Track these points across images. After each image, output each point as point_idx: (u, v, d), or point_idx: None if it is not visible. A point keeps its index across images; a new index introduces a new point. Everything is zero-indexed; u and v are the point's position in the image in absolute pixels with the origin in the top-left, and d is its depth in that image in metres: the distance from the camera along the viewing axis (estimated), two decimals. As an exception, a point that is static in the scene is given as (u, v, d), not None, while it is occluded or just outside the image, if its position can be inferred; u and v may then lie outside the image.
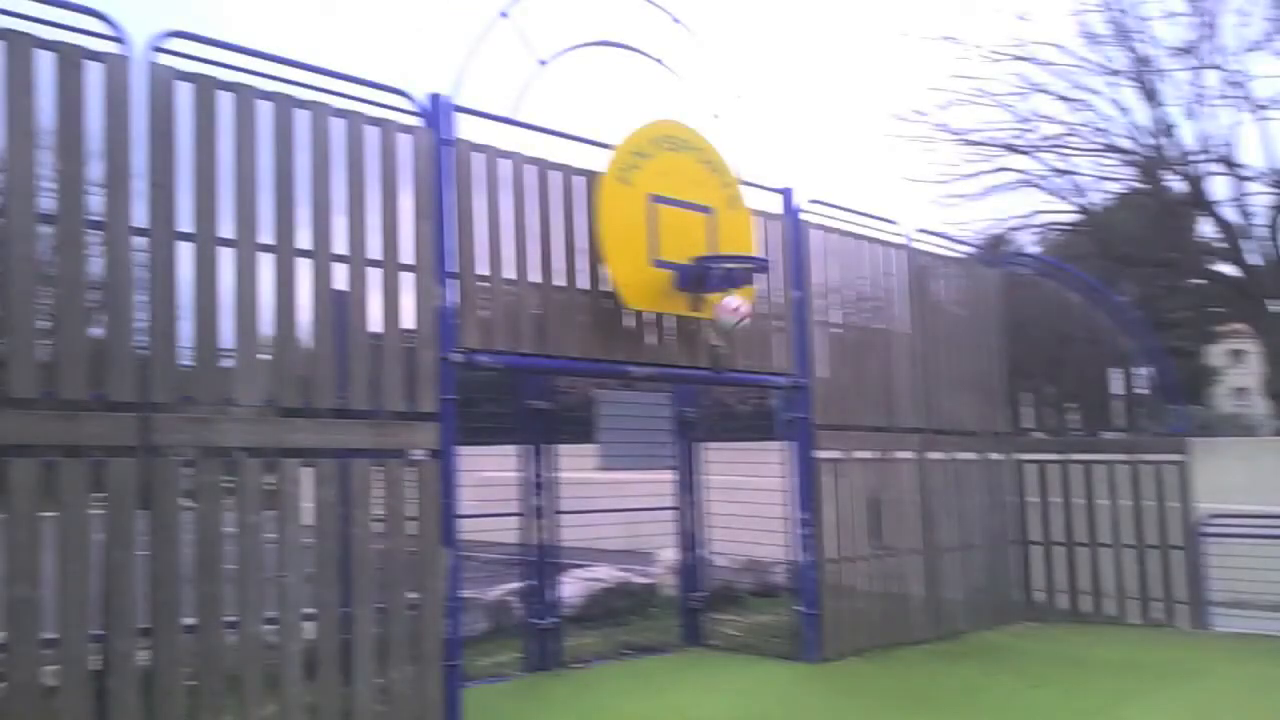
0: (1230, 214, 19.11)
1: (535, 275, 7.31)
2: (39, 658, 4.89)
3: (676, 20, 8.42)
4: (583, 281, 7.60)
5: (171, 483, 5.36)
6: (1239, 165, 18.91)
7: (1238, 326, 25.60)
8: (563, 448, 8.74)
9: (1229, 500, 11.99)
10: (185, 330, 5.50)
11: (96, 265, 5.28)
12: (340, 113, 6.27)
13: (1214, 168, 19.08)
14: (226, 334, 5.67)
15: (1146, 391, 11.52)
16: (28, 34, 5.12)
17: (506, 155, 7.22)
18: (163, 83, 5.56)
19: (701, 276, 7.83)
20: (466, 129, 6.97)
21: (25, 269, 5.04)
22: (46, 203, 5.16)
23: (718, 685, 8.06)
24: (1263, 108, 18.73)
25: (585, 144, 7.77)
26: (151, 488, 5.29)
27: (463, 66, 7.02)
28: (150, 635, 5.23)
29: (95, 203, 5.27)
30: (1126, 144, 19.63)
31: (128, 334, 5.30)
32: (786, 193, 9.31)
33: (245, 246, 5.79)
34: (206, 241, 5.64)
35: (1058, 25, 39.31)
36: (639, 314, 7.87)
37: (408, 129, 6.60)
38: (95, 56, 5.33)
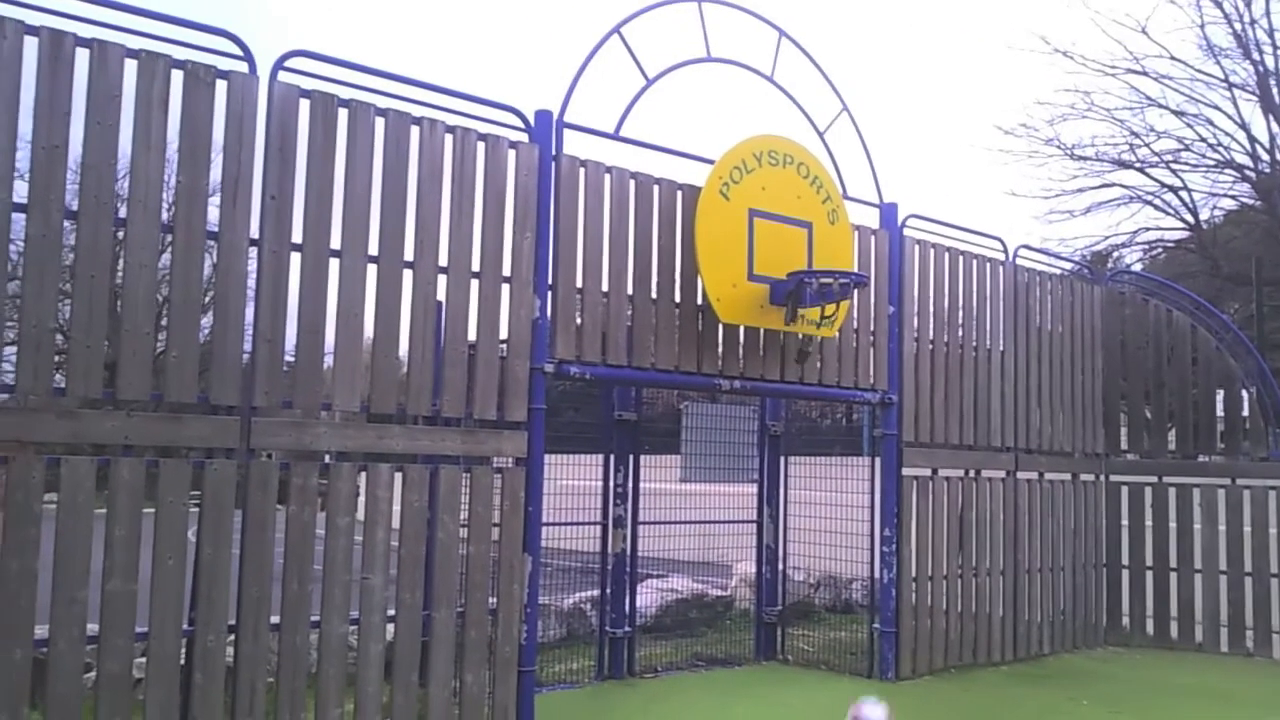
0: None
1: (630, 288, 7.34)
2: (130, 650, 5.09)
3: (784, 34, 8.33)
4: (677, 294, 7.61)
5: (267, 484, 5.53)
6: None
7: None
8: (645, 458, 8.77)
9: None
10: (290, 337, 5.65)
11: (209, 273, 5.47)
12: (450, 128, 6.37)
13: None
14: (329, 342, 5.80)
15: (1249, 414, 11.14)
16: (161, 54, 5.32)
17: (608, 170, 7.25)
18: (284, 100, 5.72)
19: (797, 291, 7.78)
20: (572, 144, 7.03)
21: (144, 276, 5.23)
22: (167, 213, 5.37)
23: (787, 700, 8.06)
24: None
25: (687, 159, 7.76)
26: (247, 489, 5.46)
27: (572, 83, 7.06)
28: (237, 632, 5.41)
29: (214, 215, 5.45)
30: (1243, 159, 18.96)
31: (234, 339, 5.47)
32: (886, 208, 9.19)
33: (352, 257, 5.92)
34: (316, 252, 5.79)
35: (1176, 37, 38.00)
36: (732, 327, 7.85)
37: (514, 144, 6.68)
38: (222, 75, 5.51)
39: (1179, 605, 10.78)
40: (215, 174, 5.46)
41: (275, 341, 5.62)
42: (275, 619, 5.56)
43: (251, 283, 5.58)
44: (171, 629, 5.19)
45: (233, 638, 5.42)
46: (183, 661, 5.24)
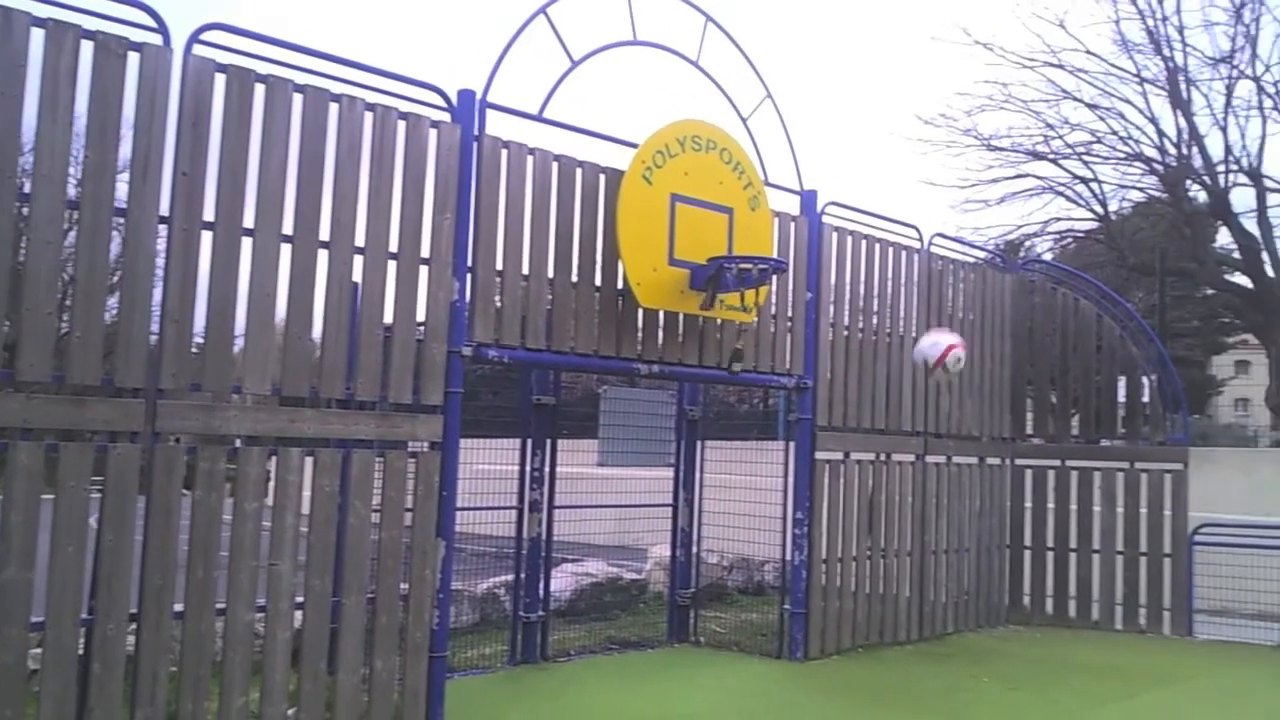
0: (1251, 226, 19.01)
1: (551, 271, 7.29)
2: (25, 640, 4.92)
3: (710, 19, 8.31)
4: (598, 278, 7.58)
5: (172, 468, 5.39)
6: (1264, 177, 18.78)
7: (1246, 337, 25.56)
8: (563, 442, 8.74)
9: (1225, 510, 12.09)
10: (199, 318, 5.50)
11: (117, 251, 5.29)
12: (370, 106, 6.23)
13: (1238, 179, 18.97)
14: (240, 324, 5.66)
15: (1149, 400, 11.53)
16: (70, 24, 5.10)
17: (531, 151, 7.16)
18: (199, 73, 5.53)
19: (717, 276, 7.79)
20: (495, 125, 6.95)
21: (47, 253, 5.03)
22: (73, 189, 5.17)
23: (699, 681, 8.15)
24: (1294, 120, 18.62)
25: (611, 142, 7.70)
26: (152, 473, 5.31)
27: (496, 64, 6.95)
28: (139, 620, 5.28)
29: (121, 190, 5.26)
30: (1152, 153, 19.48)
31: (141, 320, 5.30)
32: (806, 195, 9.26)
33: (266, 236, 5.77)
34: (228, 230, 5.63)
35: (1093, 32, 38.88)
36: (652, 312, 7.85)
37: (436, 124, 6.55)
38: (135, 47, 5.30)
39: (1077, 584, 11.17)
40: (126, 149, 5.27)
41: (184, 322, 5.45)
42: (179, 607, 5.43)
43: (161, 262, 5.40)
44: (70, 618, 5.03)
45: (134, 626, 5.28)
46: (81, 652, 5.10)
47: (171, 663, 5.43)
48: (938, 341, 8.43)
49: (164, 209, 5.41)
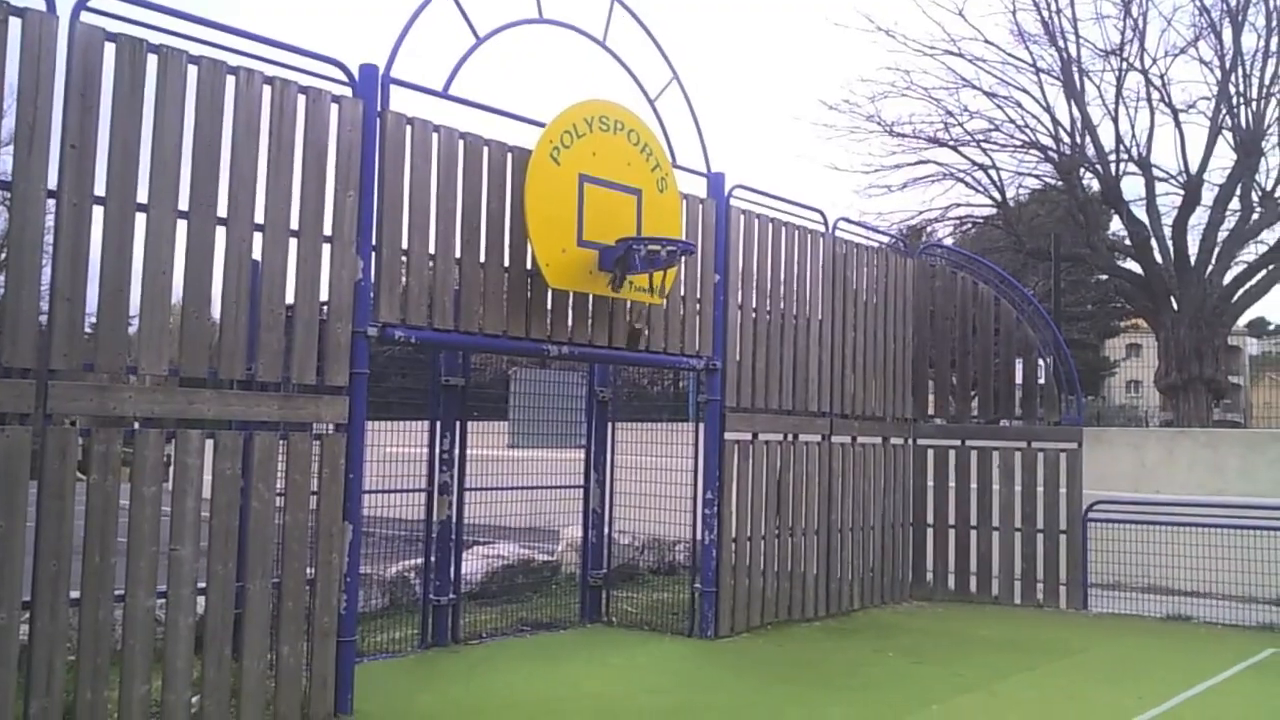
0: (1140, 213, 19.67)
1: (458, 250, 7.22)
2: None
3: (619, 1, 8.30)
4: (506, 258, 7.53)
5: (66, 452, 5.21)
6: (1153, 166, 19.46)
7: (1137, 321, 26.45)
8: (473, 424, 8.67)
9: (1117, 488, 12.56)
10: (92, 297, 5.33)
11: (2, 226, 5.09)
12: (269, 80, 6.08)
13: (1128, 168, 19.60)
14: (134, 302, 5.50)
15: (1045, 381, 11.89)
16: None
17: (436, 129, 7.08)
18: (87, 42, 5.34)
19: (625, 258, 7.81)
20: (400, 102, 6.84)
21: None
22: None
23: (612, 660, 8.20)
24: (1179, 111, 19.29)
25: (518, 120, 7.66)
26: (44, 456, 5.14)
27: (399, 38, 6.85)
28: (32, 609, 5.11)
29: (5, 163, 5.07)
30: (1047, 141, 20.01)
31: (30, 298, 5.11)
32: (714, 177, 9.32)
33: (160, 212, 5.61)
34: (121, 205, 5.45)
35: (991, 22, 39.87)
36: (562, 293, 7.83)
37: (338, 99, 6.43)
38: (16, 12, 5.10)
39: (978, 561, 11.47)
40: (10, 121, 5.07)
41: (75, 301, 5.27)
42: (76, 594, 5.26)
43: (50, 238, 5.21)
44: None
45: (28, 615, 5.10)
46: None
47: (69, 651, 5.26)
48: None
49: (52, 182, 5.22)
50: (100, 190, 5.38)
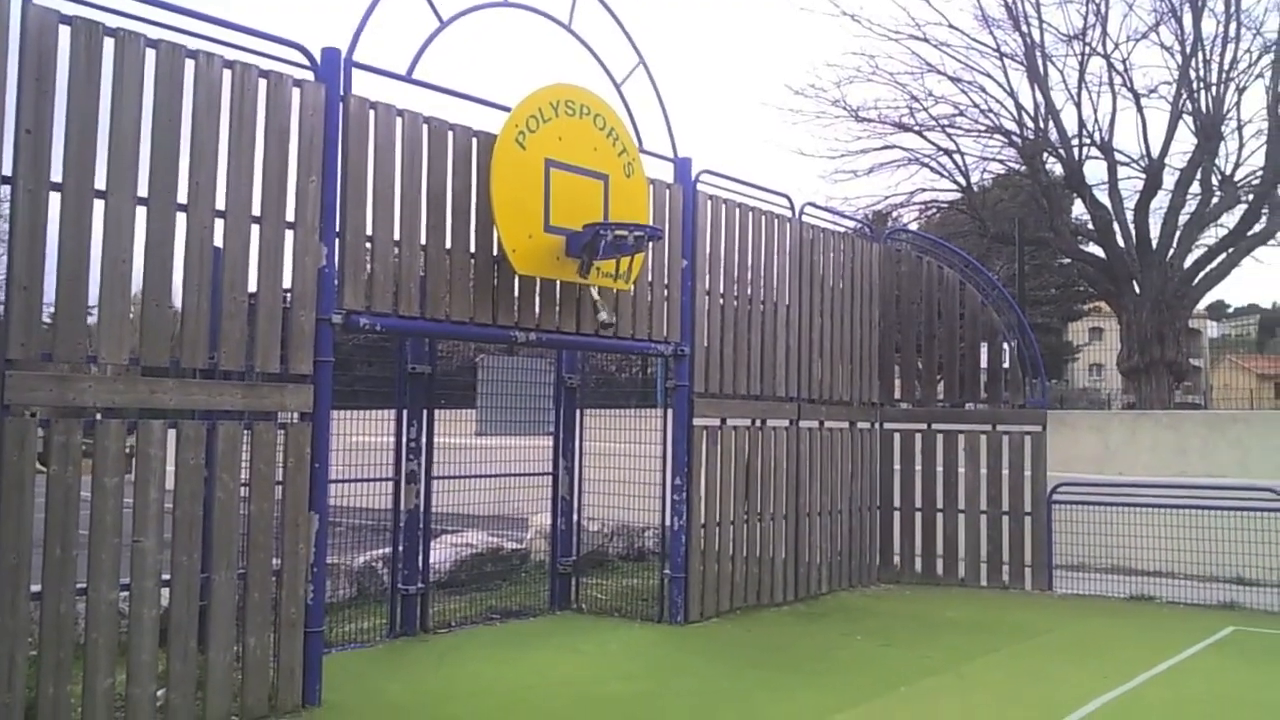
0: (1102, 197, 19.87)
1: (424, 237, 7.14)
2: None
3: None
4: (472, 244, 7.47)
5: (24, 443, 5.11)
6: (1115, 150, 19.64)
7: (1100, 305, 26.73)
8: (441, 412, 8.60)
9: (1081, 470, 12.70)
10: (49, 285, 5.22)
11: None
12: (229, 63, 5.98)
13: (1091, 152, 19.78)
14: (93, 290, 5.40)
15: (1009, 365, 11.98)
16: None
17: (400, 113, 7.00)
18: (41, 24, 5.22)
19: (592, 243, 7.77)
20: (362, 86, 6.74)
21: None
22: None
23: (580, 647, 8.19)
24: (1141, 96, 19.50)
25: (482, 105, 7.59)
26: (2, 448, 5.04)
27: (362, 21, 6.76)
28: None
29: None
30: (1011, 126, 20.14)
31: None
32: (681, 163, 9.29)
33: (119, 198, 5.50)
34: (78, 192, 5.35)
35: (955, 6, 40.01)
36: (529, 279, 7.78)
37: (300, 83, 6.34)
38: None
39: (944, 543, 11.57)
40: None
41: (33, 289, 5.16)
42: (36, 587, 5.18)
43: (4, 226, 5.11)
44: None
45: (-13, 609, 5.02)
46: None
47: (30, 646, 5.17)
48: None
49: (7, 169, 5.11)
50: (57, 176, 5.28)
